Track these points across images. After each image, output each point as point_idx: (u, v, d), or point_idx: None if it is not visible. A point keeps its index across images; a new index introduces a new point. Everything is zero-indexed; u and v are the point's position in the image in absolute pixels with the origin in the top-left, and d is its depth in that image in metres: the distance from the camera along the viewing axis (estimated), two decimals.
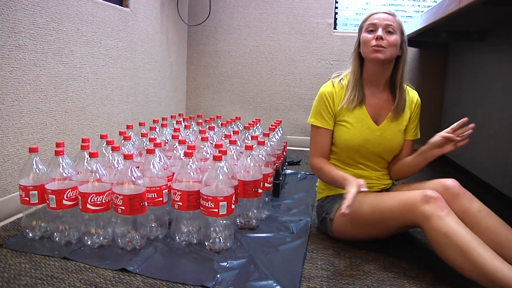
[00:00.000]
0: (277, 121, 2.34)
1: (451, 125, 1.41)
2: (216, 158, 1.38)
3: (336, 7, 3.35)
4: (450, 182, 1.40)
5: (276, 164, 2.00)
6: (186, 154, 1.43)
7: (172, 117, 2.45)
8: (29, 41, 1.69)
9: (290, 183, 2.33)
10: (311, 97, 3.30)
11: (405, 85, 1.57)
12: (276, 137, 2.16)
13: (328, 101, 1.57)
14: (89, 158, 1.40)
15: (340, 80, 1.59)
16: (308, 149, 1.72)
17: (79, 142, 1.49)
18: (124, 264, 1.30)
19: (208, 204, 1.36)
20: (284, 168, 2.35)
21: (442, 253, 1.24)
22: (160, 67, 3.04)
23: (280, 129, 2.35)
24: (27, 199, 1.40)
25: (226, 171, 1.44)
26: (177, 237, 1.48)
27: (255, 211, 1.68)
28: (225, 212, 1.38)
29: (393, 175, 1.63)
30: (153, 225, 1.52)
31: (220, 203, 1.36)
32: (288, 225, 1.69)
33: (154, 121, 2.17)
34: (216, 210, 1.36)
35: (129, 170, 1.37)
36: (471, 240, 1.18)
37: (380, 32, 1.44)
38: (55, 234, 1.43)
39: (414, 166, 1.54)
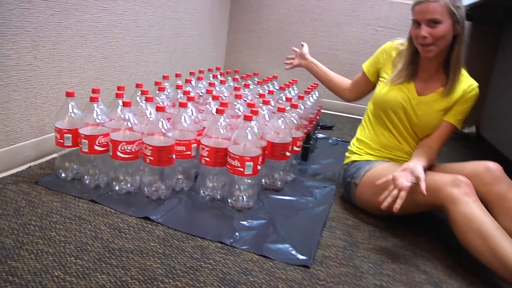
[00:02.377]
0: (313, 84, 2.29)
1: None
2: (247, 118, 1.37)
3: None
4: (493, 165, 1.35)
5: (308, 128, 1.97)
6: (218, 111, 1.42)
7: (209, 70, 2.44)
8: None
9: (320, 148, 2.30)
10: (352, 62, 3.25)
11: (463, 70, 1.50)
12: (311, 100, 2.12)
13: (380, 53, 1.65)
14: (122, 107, 1.41)
15: (398, 44, 1.60)
16: (343, 114, 1.75)
17: (115, 88, 1.51)
18: (148, 212, 1.34)
19: (235, 163, 1.37)
20: (316, 132, 2.32)
21: (463, 237, 1.21)
22: (202, 19, 3.00)
23: (316, 92, 2.30)
24: (62, 141, 1.44)
25: (256, 131, 1.43)
26: (201, 191, 1.51)
27: (281, 173, 1.68)
28: (250, 172, 1.38)
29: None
30: (179, 177, 1.54)
31: (246, 162, 1.36)
32: (312, 190, 1.68)
33: (190, 73, 2.16)
34: (242, 170, 1.37)
35: (160, 122, 1.38)
36: (494, 228, 1.16)
37: (423, 31, 1.37)
38: (85, 177, 1.48)
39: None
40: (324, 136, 2.54)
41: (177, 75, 2.04)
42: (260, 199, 1.54)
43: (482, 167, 1.35)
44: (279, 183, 1.66)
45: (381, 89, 1.57)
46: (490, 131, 2.75)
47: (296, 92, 2.29)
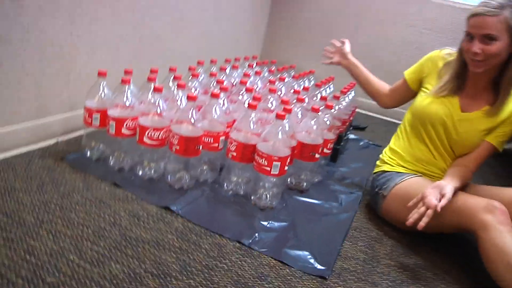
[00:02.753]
0: (350, 83, 2.21)
1: None
2: (279, 117, 1.32)
3: None
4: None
5: (340, 129, 1.91)
6: (249, 106, 1.37)
7: (245, 58, 2.38)
8: None
9: (350, 150, 2.23)
10: (393, 63, 3.13)
11: None
12: (347, 100, 2.05)
13: (425, 61, 1.55)
14: (153, 92, 1.38)
15: (446, 54, 1.49)
16: (377, 115, 1.68)
17: (149, 69, 1.48)
18: (169, 202, 1.31)
19: (262, 161, 1.32)
20: (348, 133, 2.25)
21: (491, 267, 1.14)
22: (243, 4, 2.94)
23: (353, 92, 2.22)
24: (90, 120, 1.43)
25: (287, 130, 1.38)
26: (225, 185, 1.47)
27: (308, 173, 1.63)
28: (277, 172, 1.33)
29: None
30: (204, 167, 1.51)
31: (274, 162, 1.31)
32: (338, 195, 1.63)
33: (226, 61, 2.12)
34: (269, 169, 1.32)
35: (190, 112, 1.34)
36: None
37: (475, 46, 1.27)
38: (110, 158, 1.47)
39: None
40: (355, 137, 2.46)
41: (212, 61, 2.00)
42: (284, 199, 1.49)
43: None
44: (305, 184, 1.61)
45: (423, 100, 1.48)
46: None
47: (331, 89, 2.21)
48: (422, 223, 1.20)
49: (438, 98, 1.43)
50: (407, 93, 1.61)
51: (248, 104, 1.38)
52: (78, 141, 1.64)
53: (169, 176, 1.43)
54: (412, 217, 1.23)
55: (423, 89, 1.52)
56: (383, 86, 1.72)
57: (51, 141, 1.59)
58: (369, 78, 1.74)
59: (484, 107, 1.39)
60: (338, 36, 3.23)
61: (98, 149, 1.51)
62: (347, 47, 1.82)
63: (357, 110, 2.63)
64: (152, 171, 1.44)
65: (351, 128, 2.45)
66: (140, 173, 1.44)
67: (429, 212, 1.21)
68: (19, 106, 1.45)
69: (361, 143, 2.39)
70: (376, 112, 3.16)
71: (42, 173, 1.36)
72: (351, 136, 2.44)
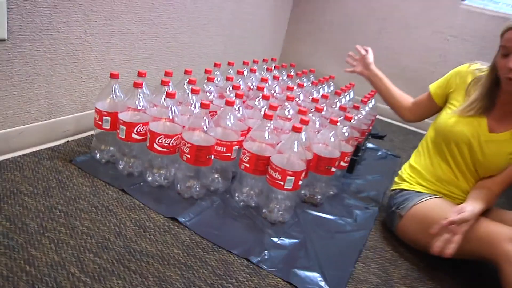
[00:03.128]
0: (371, 91, 2.13)
1: None
2: (296, 130, 1.25)
3: None
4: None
5: (359, 140, 1.84)
6: (265, 116, 1.32)
7: (264, 61, 2.33)
8: None
9: (368, 160, 2.16)
10: (415, 69, 3.04)
11: None
12: (367, 109, 1.98)
13: (452, 75, 1.45)
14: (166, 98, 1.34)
15: (475, 69, 1.39)
16: (396, 122, 1.61)
17: (164, 68, 1.43)
18: (177, 213, 1.27)
19: (275, 175, 1.27)
20: (366, 142, 2.17)
21: None
22: (263, 4, 2.87)
23: (373, 100, 2.15)
24: (100, 123, 1.39)
25: (303, 142, 1.32)
26: (236, 196, 1.42)
27: (323, 185, 1.57)
28: (290, 187, 1.28)
29: None
30: (216, 176, 1.46)
31: (288, 177, 1.25)
32: (352, 211, 1.56)
33: (244, 63, 2.07)
34: (282, 183, 1.27)
35: (202, 119, 1.29)
36: None
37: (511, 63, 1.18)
38: (120, 162, 1.43)
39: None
40: (373, 146, 2.39)
41: (229, 63, 1.95)
42: (296, 213, 1.44)
43: None
44: (319, 197, 1.55)
45: (448, 117, 1.39)
46: None
47: (351, 96, 2.14)
48: (449, 250, 1.13)
49: (464, 118, 1.35)
50: (431, 108, 1.53)
51: (264, 114, 1.32)
52: (89, 141, 1.61)
53: (179, 185, 1.38)
54: (437, 245, 1.16)
55: (449, 105, 1.43)
56: (406, 99, 1.63)
57: (62, 141, 1.56)
58: (391, 90, 1.65)
59: (510, 131, 1.31)
60: (362, 40, 3.16)
61: (108, 152, 1.47)
62: (370, 57, 1.73)
63: (377, 116, 2.55)
64: (162, 178, 1.40)
65: (370, 137, 2.38)
66: (150, 179, 1.40)
67: (457, 238, 1.14)
68: (29, 106, 1.42)
69: (379, 153, 2.31)
70: (395, 119, 3.07)
71: (50, 175, 1.33)
72: (369, 145, 2.37)
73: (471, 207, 1.19)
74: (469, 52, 2.80)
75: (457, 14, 2.87)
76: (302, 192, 1.54)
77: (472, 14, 2.83)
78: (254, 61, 2.16)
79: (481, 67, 1.38)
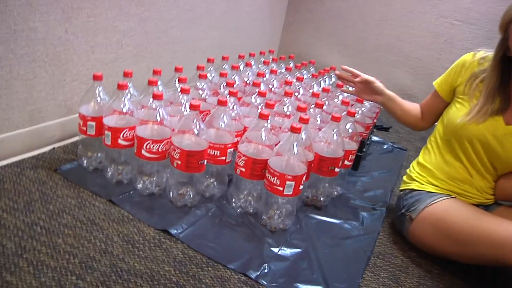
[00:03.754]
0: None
1: None
2: (295, 130, 1.15)
3: None
4: None
5: (363, 135, 1.73)
6: (261, 116, 1.21)
7: (261, 53, 2.22)
8: None
9: (373, 155, 2.05)
10: (419, 57, 2.91)
11: None
12: (370, 102, 1.86)
13: (457, 67, 1.32)
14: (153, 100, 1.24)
15: (481, 58, 1.26)
16: None
17: (156, 65, 1.33)
18: (169, 224, 1.17)
19: (274, 180, 1.17)
20: (371, 136, 2.07)
21: None
22: None
23: None
24: (85, 128, 1.29)
25: (303, 142, 1.22)
26: (233, 202, 1.33)
27: (326, 185, 1.47)
28: (290, 193, 1.18)
29: (497, 191, 1.31)
30: (211, 180, 1.37)
31: (287, 182, 1.15)
32: (359, 213, 1.46)
33: (239, 57, 1.96)
34: (281, 189, 1.17)
35: (193, 121, 1.19)
36: None
37: None
38: (108, 169, 1.33)
39: None
40: (378, 139, 2.28)
41: (223, 58, 1.84)
42: (298, 218, 1.34)
43: None
44: (322, 199, 1.45)
45: (458, 112, 1.28)
46: None
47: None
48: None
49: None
50: (441, 107, 1.40)
51: (260, 113, 1.22)
52: (76, 147, 1.51)
53: (171, 192, 1.29)
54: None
55: (458, 99, 1.31)
56: (416, 109, 1.48)
57: (47, 148, 1.46)
58: (405, 107, 1.48)
59: None
60: (363, 28, 3.04)
61: (96, 159, 1.38)
62: (377, 82, 1.48)
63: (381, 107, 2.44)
64: (153, 185, 1.30)
65: (375, 130, 2.27)
66: (140, 187, 1.30)
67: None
68: (9, 113, 1.32)
69: (385, 147, 2.21)
70: None
71: (32, 187, 1.24)
72: (374, 138, 2.26)
73: None
74: (476, 36, 2.68)
75: None
76: (304, 194, 1.45)
77: None
78: (250, 54, 2.05)
79: (486, 54, 1.26)
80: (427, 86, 1.50)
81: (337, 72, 1.55)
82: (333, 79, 2.12)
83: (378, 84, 1.46)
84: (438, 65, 2.78)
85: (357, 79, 1.49)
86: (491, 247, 1.07)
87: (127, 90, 1.26)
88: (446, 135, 1.32)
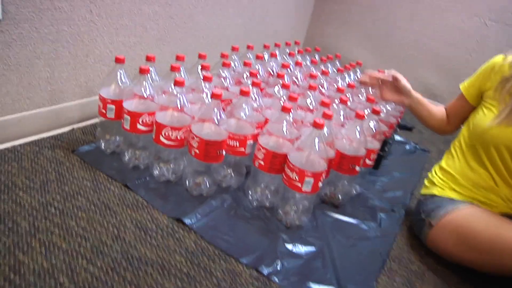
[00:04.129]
0: None
1: None
2: (317, 126, 1.11)
3: None
4: None
5: (386, 134, 1.68)
6: (283, 109, 1.18)
7: (286, 44, 2.17)
8: None
9: (395, 155, 2.00)
10: (448, 56, 2.82)
11: None
12: None
13: (486, 70, 1.26)
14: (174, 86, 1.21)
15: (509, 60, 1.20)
16: None
17: (179, 50, 1.31)
18: (183, 213, 1.16)
19: (292, 176, 1.14)
20: (393, 135, 2.01)
21: None
22: None
23: None
24: (104, 111, 1.28)
25: (325, 138, 1.18)
26: (249, 194, 1.30)
27: (345, 183, 1.43)
28: (309, 190, 1.15)
29: None
30: (228, 171, 1.34)
31: (306, 178, 1.12)
32: (377, 213, 1.42)
33: (265, 47, 1.92)
34: (300, 185, 1.14)
35: (214, 111, 1.16)
36: None
37: None
38: (125, 153, 1.32)
39: None
40: (401, 139, 2.22)
41: (248, 47, 1.80)
42: (315, 216, 1.31)
43: None
44: (340, 197, 1.41)
45: (485, 117, 1.22)
46: None
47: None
48: None
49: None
50: (468, 111, 1.34)
51: (282, 106, 1.18)
52: (95, 129, 1.51)
53: (187, 181, 1.27)
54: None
55: (485, 104, 1.25)
56: (442, 113, 1.43)
57: (66, 129, 1.46)
58: (431, 111, 1.42)
59: None
60: (391, 23, 2.96)
61: (114, 142, 1.37)
62: (404, 81, 1.40)
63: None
64: (170, 173, 1.29)
65: (398, 129, 2.22)
66: (156, 173, 1.29)
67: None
68: (30, 91, 1.32)
69: (407, 147, 2.15)
70: None
71: (49, 167, 1.24)
72: (396, 137, 2.20)
73: None
74: (511, 38, 2.57)
75: None
76: (323, 191, 1.41)
77: None
78: (276, 45, 2.01)
79: None
80: (455, 87, 1.44)
81: (361, 79, 1.45)
82: (359, 74, 2.07)
83: (405, 83, 1.39)
84: (468, 66, 2.69)
85: (381, 77, 1.41)
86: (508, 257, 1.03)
87: (148, 75, 1.24)
88: (471, 140, 1.27)
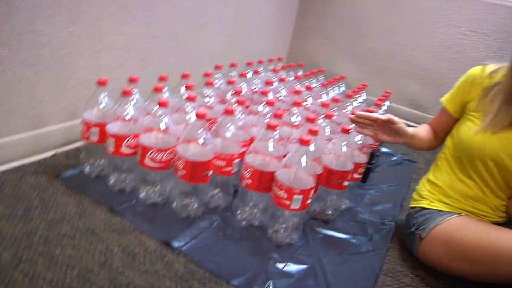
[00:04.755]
0: (385, 93, 1.98)
1: None
2: (303, 143, 1.11)
3: None
4: None
5: (373, 147, 1.69)
6: (269, 127, 1.17)
7: (270, 61, 2.18)
8: None
9: (382, 166, 2.00)
10: (430, 67, 2.85)
11: None
12: (381, 112, 1.82)
13: (465, 83, 1.27)
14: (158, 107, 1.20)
15: (492, 72, 1.21)
16: (411, 123, 1.41)
17: (163, 70, 1.31)
18: (172, 236, 1.14)
19: (281, 194, 1.13)
20: (380, 148, 2.02)
21: None
22: (271, 3, 2.71)
23: (388, 102, 1.99)
24: (88, 135, 1.26)
25: (311, 154, 1.18)
26: (238, 214, 1.28)
27: (334, 198, 1.42)
28: (298, 207, 1.13)
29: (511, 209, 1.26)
30: (216, 191, 1.33)
31: (294, 195, 1.11)
32: (367, 227, 1.41)
33: (247, 64, 1.93)
34: (288, 203, 1.12)
35: (199, 131, 1.15)
36: None
37: None
38: (111, 176, 1.30)
39: None
40: (388, 151, 2.23)
41: (231, 65, 1.80)
42: (305, 233, 1.29)
43: None
44: (330, 212, 1.40)
45: (471, 134, 1.21)
46: None
47: (365, 97, 1.99)
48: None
49: (490, 133, 1.18)
50: (452, 123, 1.34)
51: (268, 124, 1.18)
52: (78, 153, 1.48)
53: (174, 203, 1.25)
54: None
55: (469, 116, 1.26)
56: (429, 132, 1.42)
57: (49, 153, 1.43)
58: (422, 138, 1.39)
59: None
60: (374, 37, 3.00)
61: (99, 165, 1.34)
62: (403, 125, 1.32)
63: None
64: (156, 195, 1.27)
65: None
66: (142, 195, 1.27)
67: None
68: (11, 116, 1.29)
69: (394, 158, 2.15)
70: (411, 120, 2.91)
71: (32, 193, 1.21)
72: (383, 149, 2.21)
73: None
74: (489, 47, 2.62)
75: (476, 7, 2.69)
76: (312, 207, 1.40)
77: (492, 7, 2.64)
78: (259, 62, 2.02)
79: (496, 67, 1.21)
80: (437, 96, 1.45)
81: (350, 116, 1.35)
82: (344, 88, 2.08)
83: (401, 124, 1.30)
84: (449, 75, 2.72)
85: (376, 122, 1.32)
86: (508, 265, 1.02)
87: (131, 97, 1.23)
88: (456, 152, 1.27)
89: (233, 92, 1.49)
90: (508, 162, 1.16)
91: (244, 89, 1.66)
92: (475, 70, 1.26)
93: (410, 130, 1.34)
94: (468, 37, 2.72)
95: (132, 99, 1.24)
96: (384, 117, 1.28)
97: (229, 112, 1.22)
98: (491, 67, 1.23)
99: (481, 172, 1.21)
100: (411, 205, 1.38)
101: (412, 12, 2.86)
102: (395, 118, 1.29)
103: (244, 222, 1.27)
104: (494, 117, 1.16)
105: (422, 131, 1.41)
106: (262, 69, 2.00)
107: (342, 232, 1.35)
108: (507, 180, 1.19)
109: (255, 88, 1.76)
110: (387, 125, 1.30)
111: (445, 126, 1.37)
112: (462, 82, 1.29)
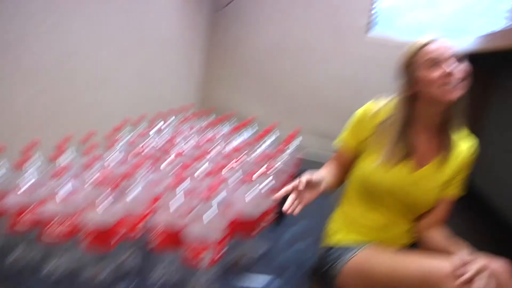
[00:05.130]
0: (294, 131, 2.04)
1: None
2: (207, 198, 1.11)
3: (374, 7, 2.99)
4: (499, 267, 1.05)
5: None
6: (174, 184, 1.17)
7: (180, 110, 2.18)
8: None
9: None
10: (335, 100, 3.03)
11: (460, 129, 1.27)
12: (288, 151, 1.87)
13: (359, 121, 1.33)
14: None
15: (377, 111, 1.31)
16: (322, 161, 1.44)
17: (66, 131, 1.29)
18: None
19: (190, 250, 1.11)
20: None
21: None
22: (176, 48, 2.74)
23: (297, 140, 2.05)
24: None
25: (220, 207, 1.18)
26: (153, 275, 1.25)
27: (249, 244, 1.42)
28: (207, 264, 1.12)
29: (419, 233, 1.33)
30: (128, 253, 1.28)
31: (204, 250, 1.11)
32: (285, 271, 1.43)
33: (156, 116, 1.91)
34: (199, 258, 1.12)
35: (100, 197, 1.12)
36: None
37: (449, 67, 1.14)
38: (7, 256, 1.21)
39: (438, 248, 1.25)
40: None
41: (137, 120, 1.77)
42: (226, 282, 1.27)
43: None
44: (245, 260, 1.40)
45: (369, 169, 1.28)
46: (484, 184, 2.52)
47: (275, 137, 2.04)
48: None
49: (388, 167, 1.25)
50: (354, 160, 1.37)
51: (174, 178, 1.17)
52: None
53: (85, 271, 1.18)
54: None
55: (366, 152, 1.32)
56: (337, 172, 1.40)
57: None
58: (335, 177, 1.38)
59: (435, 158, 1.26)
60: (278, 78, 3.14)
61: None
62: (318, 176, 1.21)
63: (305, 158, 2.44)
64: (61, 266, 1.20)
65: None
66: (45, 270, 1.19)
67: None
68: None
69: None
70: (322, 159, 3.02)
71: None
72: None
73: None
74: (382, 81, 2.83)
75: (364, 46, 2.94)
76: (227, 258, 1.38)
77: (378, 45, 2.90)
78: (169, 112, 2.00)
79: (381, 105, 1.31)
80: (343, 126, 1.51)
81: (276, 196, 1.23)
82: (256, 128, 2.12)
83: (317, 177, 1.19)
84: (352, 106, 2.87)
85: (297, 189, 1.17)
86: (414, 286, 1.08)
87: (25, 168, 1.17)
88: (359, 187, 1.34)
89: (141, 147, 1.47)
90: (401, 195, 1.25)
91: (150, 146, 1.64)
92: (366, 108, 1.33)
93: (321, 175, 1.23)
94: (363, 73, 2.96)
95: (29, 168, 1.18)
96: (302, 180, 1.16)
97: (133, 171, 1.20)
98: (373, 106, 1.31)
99: (384, 204, 1.29)
100: (322, 245, 1.39)
101: (310, 52, 3.10)
102: (310, 176, 1.18)
103: (160, 282, 1.23)
104: (391, 150, 1.24)
105: (331, 172, 1.39)
106: (173, 118, 2.00)
107: (260, 279, 1.35)
108: (408, 210, 1.28)
109: (160, 144, 1.74)
110: (308, 185, 1.18)
111: (348, 165, 1.39)
112: (356, 121, 1.35)
